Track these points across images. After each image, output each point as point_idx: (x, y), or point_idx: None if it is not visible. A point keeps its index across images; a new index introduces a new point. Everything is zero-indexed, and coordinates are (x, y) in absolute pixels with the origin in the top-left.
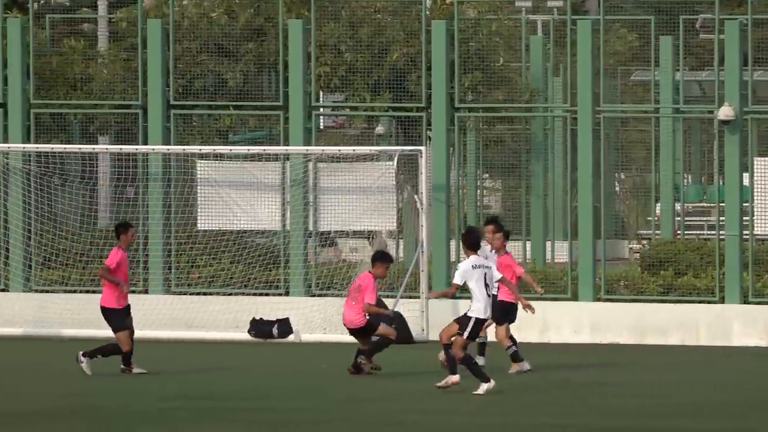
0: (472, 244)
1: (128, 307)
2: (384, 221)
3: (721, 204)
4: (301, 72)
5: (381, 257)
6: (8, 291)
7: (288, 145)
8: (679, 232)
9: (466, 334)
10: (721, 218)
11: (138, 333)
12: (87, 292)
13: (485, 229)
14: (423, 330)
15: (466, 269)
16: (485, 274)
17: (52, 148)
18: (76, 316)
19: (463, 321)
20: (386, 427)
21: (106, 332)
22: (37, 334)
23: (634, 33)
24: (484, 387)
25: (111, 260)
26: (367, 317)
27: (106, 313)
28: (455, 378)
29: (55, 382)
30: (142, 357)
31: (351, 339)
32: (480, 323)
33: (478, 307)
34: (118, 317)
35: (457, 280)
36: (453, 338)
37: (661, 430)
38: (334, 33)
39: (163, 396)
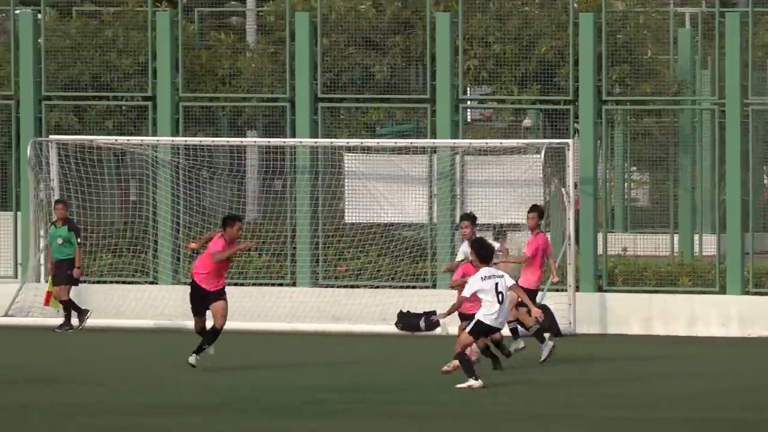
0: (483, 257)
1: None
2: None
3: None
4: (449, 65)
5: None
6: (157, 283)
7: (435, 138)
8: None
9: (468, 328)
10: None
11: (285, 325)
12: (235, 284)
13: (461, 225)
14: (570, 323)
15: (475, 282)
16: (497, 283)
17: (201, 141)
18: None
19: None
20: (531, 420)
21: (252, 324)
22: (185, 327)
23: None
24: (471, 383)
25: (214, 246)
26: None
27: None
28: (478, 383)
29: (206, 375)
30: (289, 349)
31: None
32: (484, 326)
33: (485, 312)
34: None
35: (465, 293)
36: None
37: None
38: (482, 25)
39: (311, 388)
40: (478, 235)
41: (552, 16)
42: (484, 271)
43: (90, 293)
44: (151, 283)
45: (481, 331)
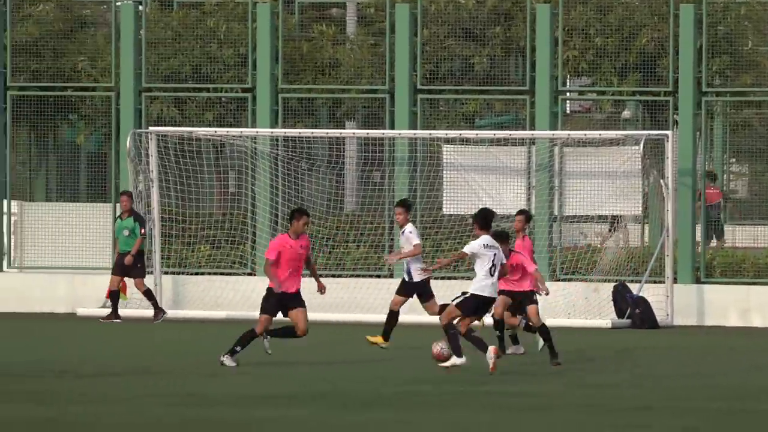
0: (484, 224)
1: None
2: (629, 206)
3: None
4: (548, 56)
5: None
6: (255, 275)
7: (534, 130)
8: None
9: (456, 302)
10: None
11: (383, 317)
12: (332, 276)
13: (395, 211)
14: (667, 315)
15: (476, 246)
16: (494, 254)
17: (300, 133)
18: (322, 299)
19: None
20: (635, 411)
21: (348, 316)
22: (282, 319)
23: None
24: (455, 361)
25: (270, 251)
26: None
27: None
28: (461, 360)
29: (302, 367)
30: (396, 340)
31: (594, 324)
32: (476, 299)
33: (479, 285)
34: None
35: (467, 249)
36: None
37: None
38: (582, 17)
39: (406, 380)
40: (409, 222)
41: (652, 7)
42: (486, 239)
43: (188, 284)
44: (249, 274)
45: (470, 307)
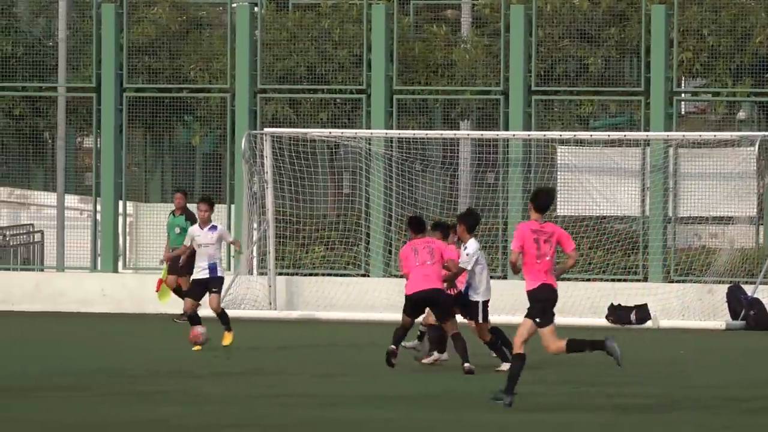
0: (472, 226)
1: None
2: (744, 207)
3: None
4: (663, 57)
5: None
6: (369, 276)
7: (648, 131)
8: None
9: (480, 318)
10: None
11: (495, 318)
12: None
13: (198, 207)
14: None
15: (477, 253)
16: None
17: (414, 134)
18: None
19: (471, 308)
20: (749, 413)
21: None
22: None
23: None
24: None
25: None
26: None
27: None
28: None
29: (412, 368)
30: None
31: (708, 325)
32: (486, 304)
33: (476, 290)
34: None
35: (468, 265)
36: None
37: None
38: (697, 18)
39: (523, 381)
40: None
41: (766, 7)
42: (477, 243)
43: (302, 285)
44: (363, 275)
45: (488, 311)
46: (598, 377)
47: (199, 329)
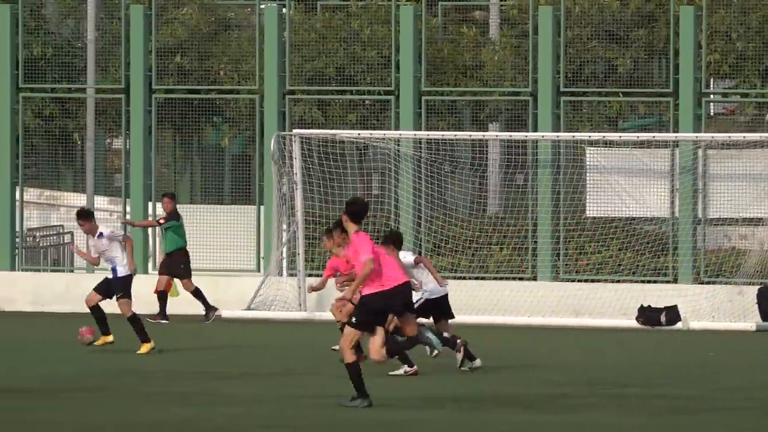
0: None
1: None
2: None
3: None
4: (692, 58)
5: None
6: None
7: (678, 132)
8: None
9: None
10: None
11: (525, 320)
12: (475, 278)
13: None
14: None
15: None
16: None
17: (443, 135)
18: (468, 302)
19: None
20: None
21: (491, 318)
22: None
23: None
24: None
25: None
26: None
27: None
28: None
29: (444, 369)
30: (526, 343)
31: (738, 326)
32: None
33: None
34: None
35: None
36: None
37: None
38: (725, 20)
39: (552, 382)
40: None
41: None
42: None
43: (331, 287)
44: None
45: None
46: (628, 379)
47: (86, 329)
